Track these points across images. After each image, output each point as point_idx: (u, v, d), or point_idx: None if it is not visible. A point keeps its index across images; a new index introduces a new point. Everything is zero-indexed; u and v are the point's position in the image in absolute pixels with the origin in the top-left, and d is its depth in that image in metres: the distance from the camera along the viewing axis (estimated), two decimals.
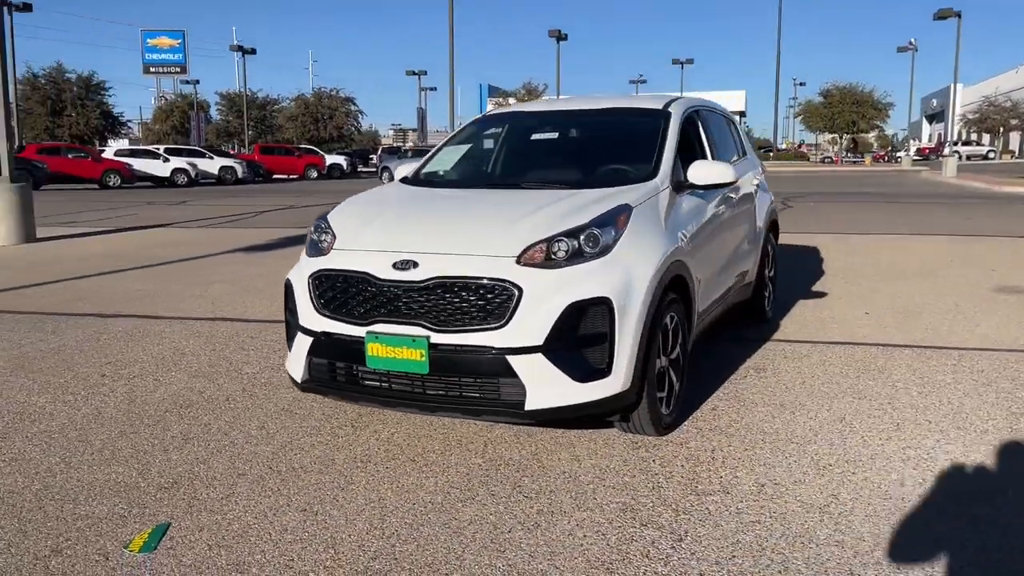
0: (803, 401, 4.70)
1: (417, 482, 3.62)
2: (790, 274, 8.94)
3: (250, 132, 64.16)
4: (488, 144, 5.70)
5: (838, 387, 4.96)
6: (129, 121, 69.84)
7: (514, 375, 3.58)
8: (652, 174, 4.55)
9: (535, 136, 5.67)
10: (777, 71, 63.41)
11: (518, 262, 3.67)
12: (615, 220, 3.92)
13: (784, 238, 9.53)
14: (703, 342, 5.35)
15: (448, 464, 3.81)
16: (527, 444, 4.03)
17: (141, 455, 3.96)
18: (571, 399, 3.63)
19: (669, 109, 5.21)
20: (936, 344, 5.97)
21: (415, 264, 3.73)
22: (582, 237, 3.78)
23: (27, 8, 47.15)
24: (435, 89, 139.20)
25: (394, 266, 3.75)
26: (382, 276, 3.76)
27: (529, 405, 3.59)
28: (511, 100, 65.98)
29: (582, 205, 4.05)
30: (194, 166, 38.94)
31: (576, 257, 3.72)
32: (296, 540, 3.08)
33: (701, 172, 4.72)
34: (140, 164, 37.81)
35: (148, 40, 59.49)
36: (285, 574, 2.83)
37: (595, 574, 2.81)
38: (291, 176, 46.32)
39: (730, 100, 73.10)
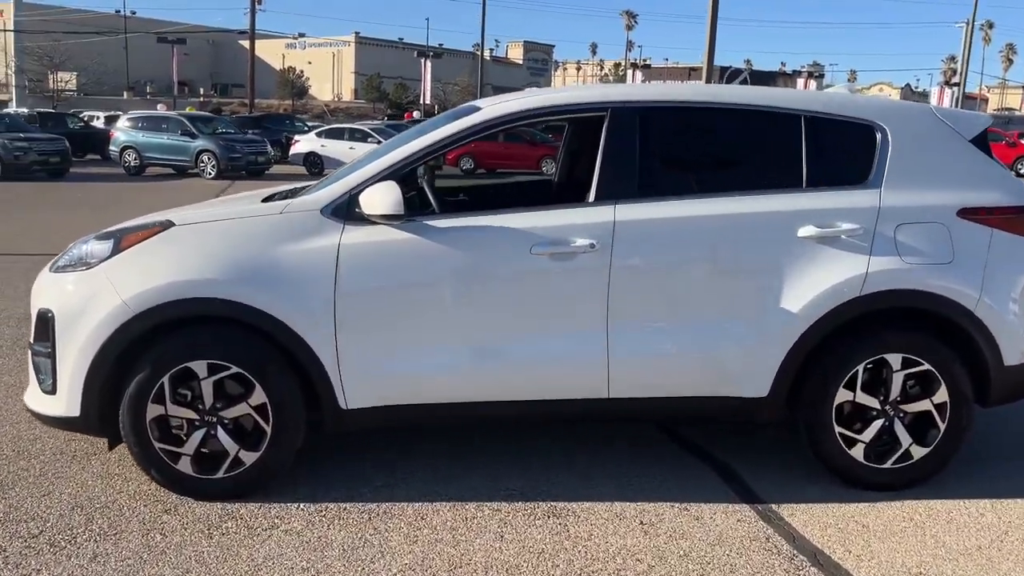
0: None
1: None
2: None
3: None
4: None
5: None
6: None
7: None
8: (296, 193, 3.63)
9: None
10: None
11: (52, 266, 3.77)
12: (120, 236, 3.54)
13: None
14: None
15: None
16: None
17: None
18: (37, 407, 3.60)
19: (477, 105, 3.72)
20: None
21: None
22: (84, 246, 3.60)
23: None
24: None
25: None
26: None
27: (25, 401, 3.74)
28: None
29: (158, 216, 3.72)
30: None
31: (74, 265, 3.57)
32: None
33: (369, 199, 3.41)
34: None
35: None
36: None
37: None
38: None
39: None
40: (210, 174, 21.92)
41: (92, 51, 61.57)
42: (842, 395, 3.61)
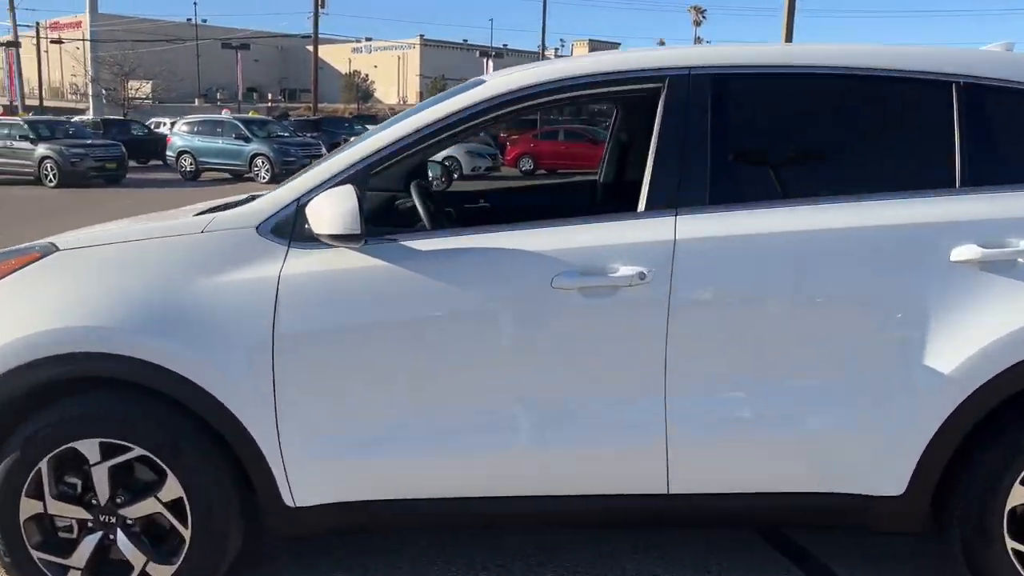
0: None
1: None
2: None
3: None
4: None
5: None
6: None
7: None
8: (240, 203, 2.65)
9: None
10: None
11: None
12: None
13: None
14: None
15: None
16: None
17: None
18: None
19: (483, 79, 2.66)
20: None
21: None
22: None
23: None
24: None
25: None
26: None
27: None
28: None
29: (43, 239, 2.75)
30: None
31: None
32: None
33: (315, 211, 2.39)
34: None
35: None
36: None
37: None
38: None
39: None
40: (264, 178, 21.37)
41: (162, 59, 62.62)
42: (1019, 495, 2.43)
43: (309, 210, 2.40)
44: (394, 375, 2.45)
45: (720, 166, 2.50)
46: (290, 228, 2.48)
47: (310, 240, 2.44)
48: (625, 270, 2.38)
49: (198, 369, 2.39)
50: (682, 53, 2.64)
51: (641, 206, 2.49)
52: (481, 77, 2.76)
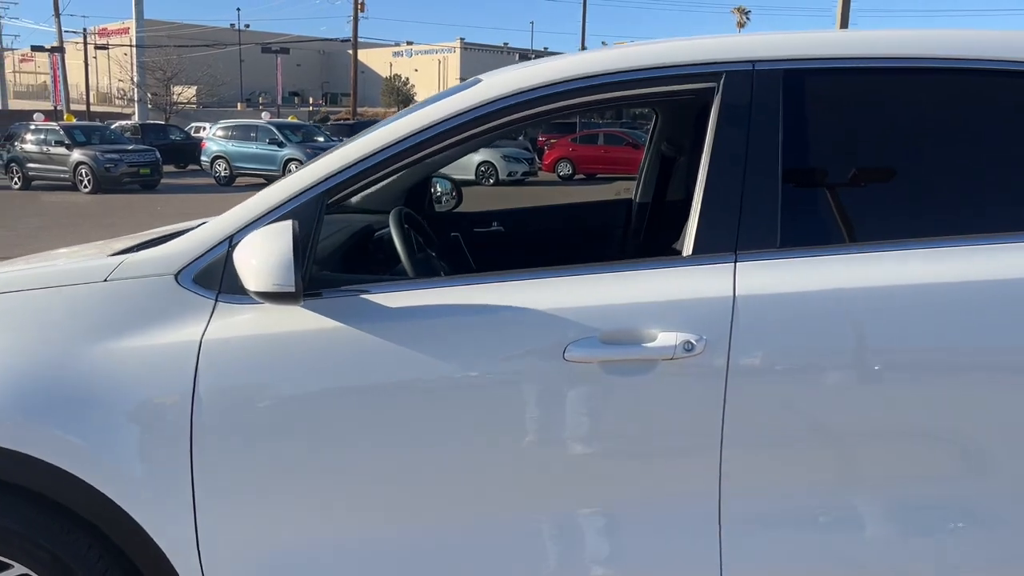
0: None
1: None
2: None
3: None
4: None
5: None
6: None
7: None
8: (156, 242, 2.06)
9: None
10: None
11: None
12: None
13: None
14: None
15: None
16: None
17: None
18: None
19: (480, 78, 2.02)
20: None
21: None
22: None
23: None
24: None
25: None
26: None
27: None
28: None
29: None
30: None
31: None
32: None
33: (241, 258, 1.77)
34: None
35: None
36: None
37: None
38: None
39: None
40: None
41: (205, 64, 63.11)
42: None
43: (236, 256, 1.78)
44: (351, 477, 1.83)
45: (796, 195, 1.84)
46: (219, 276, 1.88)
47: (242, 292, 1.83)
48: (664, 338, 1.72)
49: (90, 465, 1.79)
50: (742, 42, 1.97)
51: (687, 248, 1.83)
52: (479, 76, 2.13)
